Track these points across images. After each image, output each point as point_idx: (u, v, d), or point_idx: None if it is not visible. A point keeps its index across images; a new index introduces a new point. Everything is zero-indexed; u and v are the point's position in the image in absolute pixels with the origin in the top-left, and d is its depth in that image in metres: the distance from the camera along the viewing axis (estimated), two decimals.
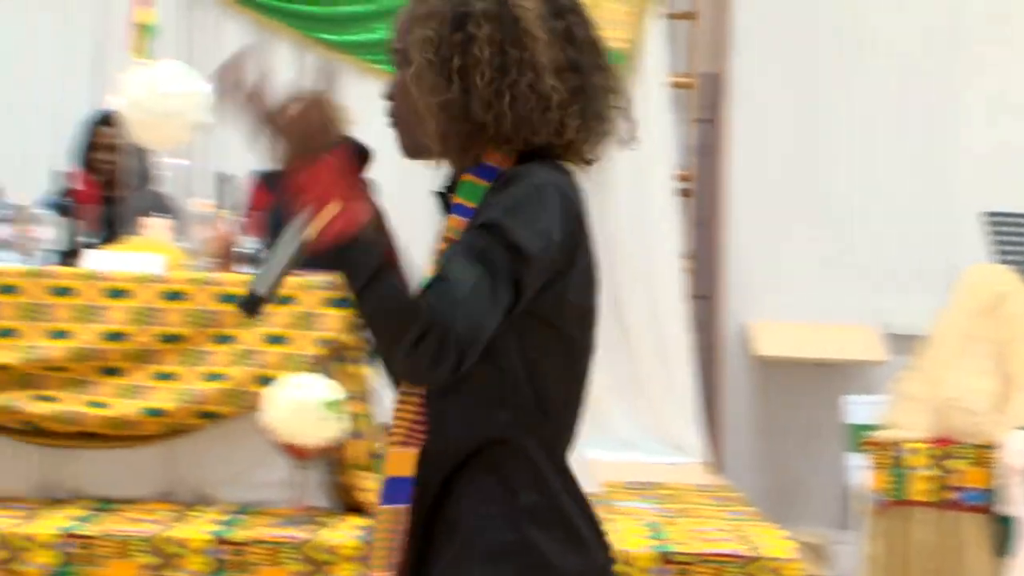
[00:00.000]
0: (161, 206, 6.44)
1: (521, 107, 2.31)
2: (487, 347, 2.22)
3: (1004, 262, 7.25)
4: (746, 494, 7.13)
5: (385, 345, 2.21)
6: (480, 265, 2.20)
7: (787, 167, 8.21)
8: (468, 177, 2.34)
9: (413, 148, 2.40)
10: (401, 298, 2.16)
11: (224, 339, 5.79)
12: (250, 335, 5.77)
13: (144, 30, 6.53)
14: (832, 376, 8.08)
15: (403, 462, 2.32)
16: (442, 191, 2.42)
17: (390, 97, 2.41)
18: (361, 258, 2.16)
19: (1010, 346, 5.89)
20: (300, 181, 2.16)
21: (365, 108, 7.60)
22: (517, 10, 2.33)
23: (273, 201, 6.22)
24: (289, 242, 2.22)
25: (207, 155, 7.79)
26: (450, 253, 2.24)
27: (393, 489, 2.33)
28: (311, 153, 2.16)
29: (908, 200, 8.14)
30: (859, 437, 6.96)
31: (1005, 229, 7.53)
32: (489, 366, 2.27)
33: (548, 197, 2.28)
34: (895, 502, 5.89)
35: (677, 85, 8.15)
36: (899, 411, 6.00)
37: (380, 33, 7.96)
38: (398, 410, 2.34)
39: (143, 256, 5.90)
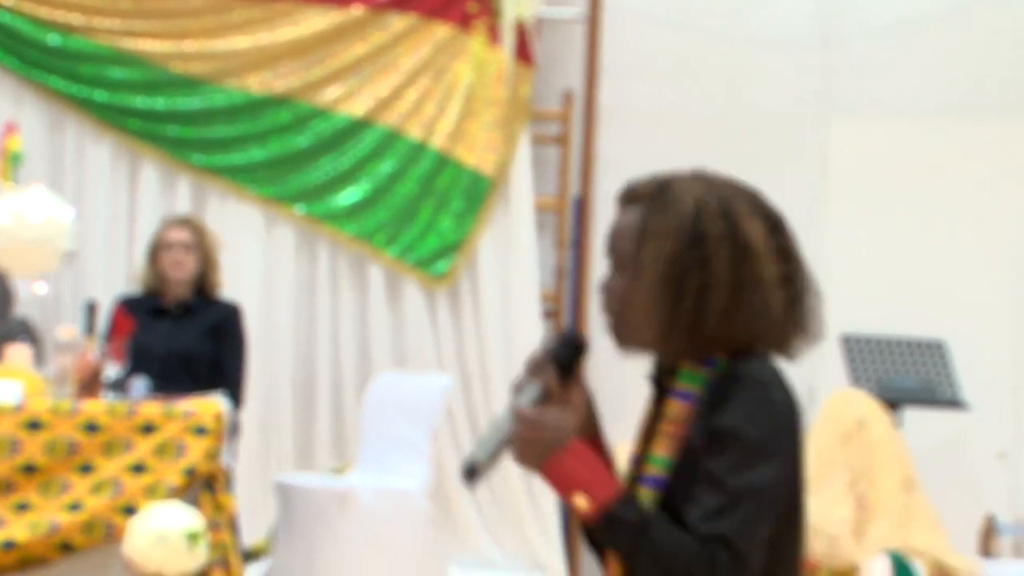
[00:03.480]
0: (25, 332, 6.40)
1: (752, 321, 2.51)
2: None
3: (859, 385, 7.40)
4: None
5: None
6: (733, 506, 2.44)
7: None
8: (688, 366, 2.55)
9: (627, 342, 2.59)
10: (667, 550, 2.42)
11: (86, 468, 5.75)
12: (112, 465, 5.73)
13: (9, 157, 6.51)
14: None
15: None
16: (654, 376, 2.64)
17: (607, 291, 2.62)
18: (618, 533, 2.43)
19: (869, 473, 6.00)
20: (549, 477, 2.48)
21: (236, 232, 7.75)
22: (747, 231, 2.53)
23: (134, 327, 6.21)
24: (507, 418, 2.50)
25: (71, 281, 7.79)
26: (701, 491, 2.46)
27: None
28: (546, 455, 2.47)
29: None
30: None
31: (859, 352, 7.69)
32: None
33: (781, 426, 2.50)
34: None
35: (545, 208, 8.27)
36: None
37: (254, 155, 8.00)
38: None
39: (2, 384, 5.85)
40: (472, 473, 2.48)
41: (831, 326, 7.48)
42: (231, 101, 8.00)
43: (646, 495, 2.51)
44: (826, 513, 5.88)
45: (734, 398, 2.48)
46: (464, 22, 8.11)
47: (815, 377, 7.50)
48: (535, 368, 2.58)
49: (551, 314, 8.30)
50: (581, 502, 2.44)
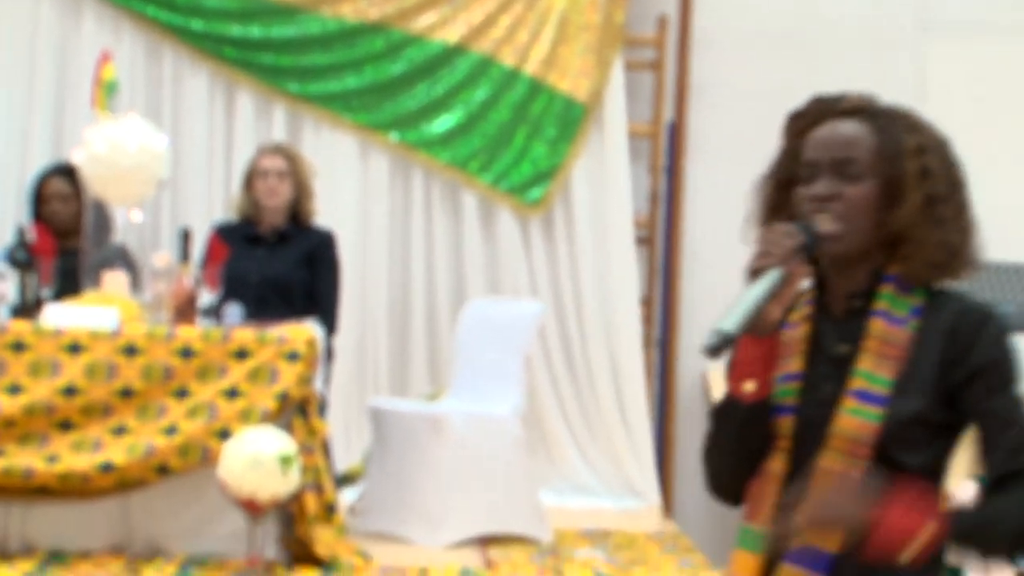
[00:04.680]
0: (122, 259, 6.50)
1: (972, 238, 2.65)
2: None
3: None
4: (699, 542, 7.20)
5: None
6: None
7: (744, 216, 8.26)
8: (888, 288, 2.66)
9: (848, 248, 2.65)
10: (1012, 516, 2.54)
11: (181, 393, 5.85)
12: (207, 389, 5.83)
13: (105, 86, 6.60)
14: None
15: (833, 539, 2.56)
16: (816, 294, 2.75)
17: (832, 198, 2.66)
18: (970, 543, 2.51)
19: None
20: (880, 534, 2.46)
21: (331, 160, 7.81)
22: (956, 167, 2.69)
23: (228, 254, 6.29)
24: (757, 292, 2.54)
25: (168, 209, 7.89)
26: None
27: (807, 556, 2.58)
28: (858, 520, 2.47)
29: None
30: None
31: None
32: None
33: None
34: None
35: (638, 134, 8.25)
36: None
37: (348, 83, 8.04)
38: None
39: (98, 310, 5.95)
40: (723, 342, 2.48)
41: None
42: (325, 29, 8.03)
43: (871, 412, 2.57)
44: None
45: (978, 332, 2.59)
46: None
47: None
48: (782, 254, 2.59)
49: (645, 240, 8.29)
50: (920, 537, 2.47)
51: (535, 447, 7.67)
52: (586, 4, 8.09)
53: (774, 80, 8.25)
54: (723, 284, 8.12)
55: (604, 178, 8.11)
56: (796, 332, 2.71)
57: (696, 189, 8.30)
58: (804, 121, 2.75)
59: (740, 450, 2.70)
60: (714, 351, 2.48)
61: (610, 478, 7.91)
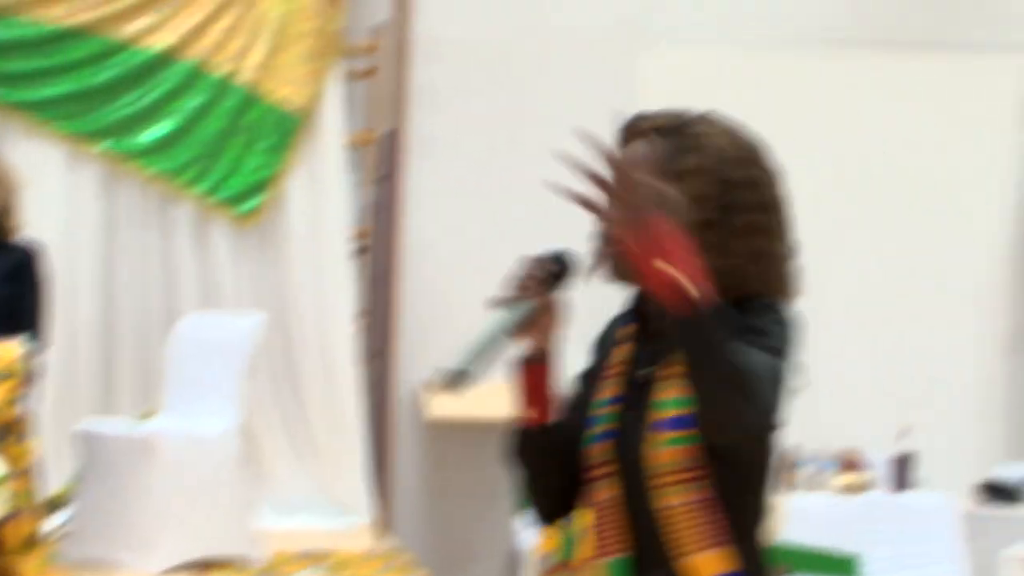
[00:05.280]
0: None
1: (768, 266, 2.55)
2: None
3: None
4: (417, 557, 7.19)
5: (734, 401, 2.34)
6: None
7: (464, 225, 8.29)
8: None
9: (625, 277, 2.52)
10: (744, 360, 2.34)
11: None
12: None
13: None
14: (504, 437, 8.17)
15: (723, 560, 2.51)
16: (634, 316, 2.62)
17: (612, 225, 2.43)
18: (707, 325, 2.32)
19: None
20: (642, 243, 2.31)
21: (38, 171, 7.56)
22: (762, 177, 2.56)
23: None
24: (500, 327, 2.48)
25: None
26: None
27: None
28: (645, 214, 2.32)
29: None
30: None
31: None
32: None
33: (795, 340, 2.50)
34: (564, 564, 5.98)
35: (356, 143, 8.18)
36: None
37: (55, 90, 7.80)
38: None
39: None
40: (460, 380, 2.42)
41: None
42: (31, 33, 7.78)
43: (675, 438, 2.48)
44: None
45: (753, 314, 2.50)
46: None
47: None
48: (527, 285, 2.55)
49: (364, 251, 8.22)
50: (671, 271, 2.31)
51: (251, 466, 7.56)
52: (303, 12, 8.00)
53: (493, 87, 8.29)
54: (441, 295, 8.18)
55: (321, 188, 8.04)
56: (619, 353, 2.64)
57: (417, 198, 8.27)
58: (618, 141, 2.64)
59: (539, 476, 2.65)
60: (449, 387, 2.44)
61: (325, 496, 7.85)
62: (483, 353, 2.46)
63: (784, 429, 2.48)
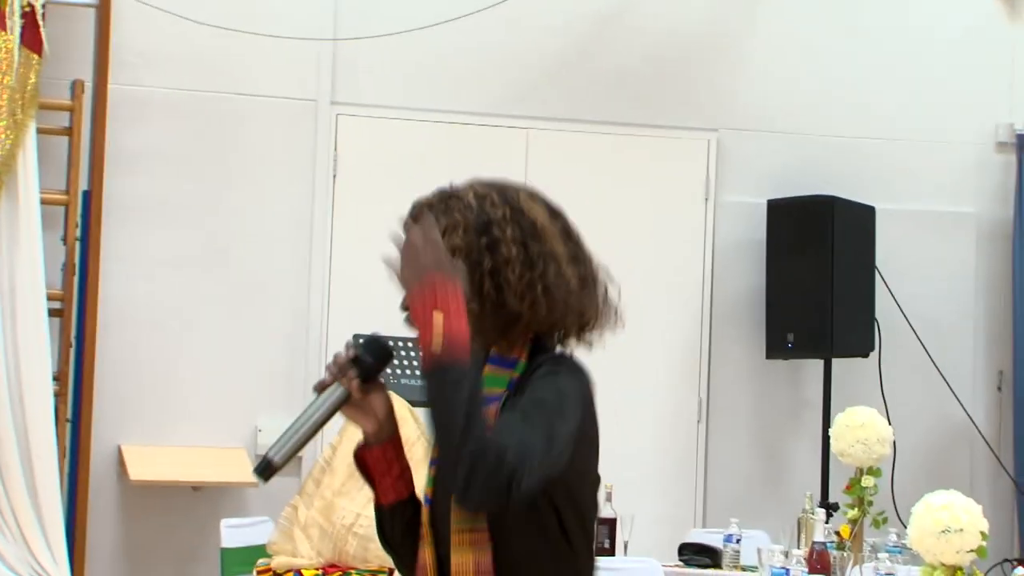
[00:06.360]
0: None
1: (551, 294, 2.58)
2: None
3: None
4: None
5: (458, 469, 2.40)
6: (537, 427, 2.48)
7: (158, 290, 8.16)
8: (489, 370, 2.58)
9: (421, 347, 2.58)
10: (478, 421, 2.42)
11: None
12: None
13: None
14: (208, 499, 8.03)
15: None
16: None
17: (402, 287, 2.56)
18: (450, 375, 2.42)
19: None
20: (416, 298, 2.47)
21: None
22: (530, 212, 2.62)
23: None
24: (310, 413, 2.51)
25: None
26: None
27: None
28: (422, 271, 2.48)
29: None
30: (235, 561, 6.91)
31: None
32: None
33: (573, 402, 2.55)
34: None
35: (54, 202, 7.95)
36: (287, 536, 6.01)
37: None
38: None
39: None
40: (267, 469, 2.47)
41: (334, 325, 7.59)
42: None
43: None
44: (360, 513, 5.87)
45: (536, 380, 2.56)
46: None
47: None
48: (338, 370, 2.57)
49: (59, 312, 7.97)
50: (439, 319, 2.42)
51: None
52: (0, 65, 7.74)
53: (191, 149, 8.21)
54: (138, 357, 7.97)
55: (15, 247, 7.77)
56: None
57: (114, 259, 8.07)
58: (406, 224, 2.72)
59: (404, 554, 2.68)
60: (262, 475, 2.49)
61: (22, 562, 7.54)
62: (291, 440, 2.51)
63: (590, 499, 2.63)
